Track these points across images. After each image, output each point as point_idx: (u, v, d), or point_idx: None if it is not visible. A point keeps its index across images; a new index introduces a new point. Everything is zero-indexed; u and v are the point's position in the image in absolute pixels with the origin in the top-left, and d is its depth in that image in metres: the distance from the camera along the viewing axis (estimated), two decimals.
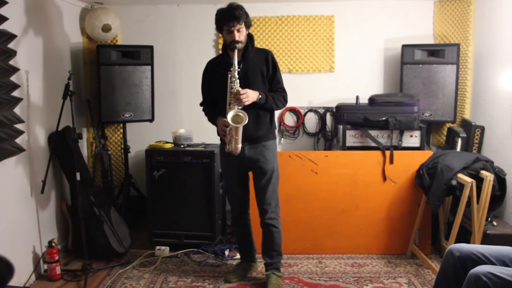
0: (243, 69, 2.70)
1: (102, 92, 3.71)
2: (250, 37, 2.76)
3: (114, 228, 3.37)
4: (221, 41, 4.01)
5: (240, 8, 2.63)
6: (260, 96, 2.67)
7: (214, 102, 2.86)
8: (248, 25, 2.70)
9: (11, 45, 2.69)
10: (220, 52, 3.94)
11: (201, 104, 2.97)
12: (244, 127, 2.62)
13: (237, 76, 2.61)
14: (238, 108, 2.61)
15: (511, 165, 3.14)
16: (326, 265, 3.23)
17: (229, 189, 2.98)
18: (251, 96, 2.62)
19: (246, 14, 2.66)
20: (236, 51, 2.62)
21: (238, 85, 2.61)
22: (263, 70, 2.74)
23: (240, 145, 2.68)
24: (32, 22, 3.08)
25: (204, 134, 3.79)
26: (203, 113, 3.81)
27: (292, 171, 3.34)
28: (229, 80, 2.63)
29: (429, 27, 3.97)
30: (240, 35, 2.63)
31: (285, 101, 2.83)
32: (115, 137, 4.16)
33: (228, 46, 2.69)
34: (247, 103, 2.60)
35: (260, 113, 2.75)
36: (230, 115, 2.58)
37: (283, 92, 2.82)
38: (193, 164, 3.48)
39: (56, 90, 3.29)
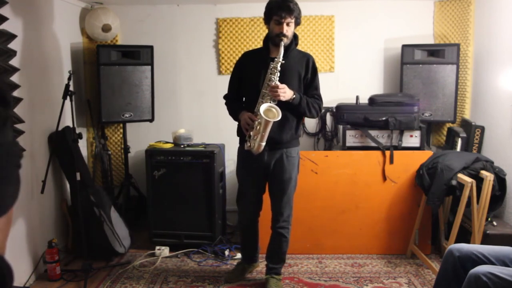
0: (281, 66, 2.55)
1: (102, 92, 3.70)
2: (295, 36, 2.66)
3: (114, 228, 3.37)
4: (221, 41, 4.01)
5: (295, 2, 2.53)
6: (294, 96, 2.55)
7: (239, 96, 2.76)
8: (298, 22, 2.60)
9: (11, 45, 2.69)
10: (221, 51, 4.00)
11: (224, 97, 2.85)
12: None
13: (279, 68, 2.49)
14: (272, 103, 2.48)
15: (511, 165, 3.14)
16: (326, 265, 3.23)
17: (243, 193, 2.86)
18: (287, 93, 2.51)
19: (299, 10, 2.57)
20: (282, 44, 2.50)
21: (278, 78, 2.50)
22: (301, 72, 2.65)
23: (264, 143, 2.51)
24: (32, 22, 3.08)
25: (204, 134, 3.79)
26: (203, 112, 3.82)
27: None
28: (269, 71, 2.52)
29: (429, 27, 3.97)
30: (288, 30, 2.53)
31: (320, 109, 2.70)
32: (115, 137, 4.16)
33: (273, 39, 2.58)
34: (283, 99, 2.49)
35: (287, 116, 2.61)
36: (263, 108, 2.44)
37: (319, 100, 2.71)
38: (193, 164, 3.48)
39: (56, 90, 3.29)
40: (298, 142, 2.79)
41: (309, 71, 2.67)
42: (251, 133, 2.56)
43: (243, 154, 2.71)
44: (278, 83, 2.49)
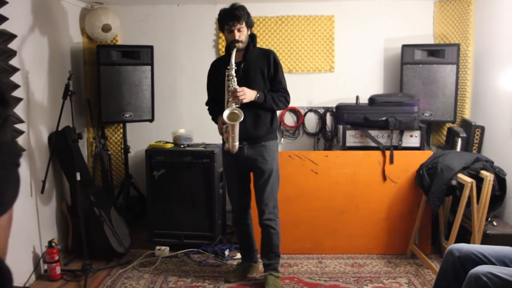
0: (244, 69, 2.72)
1: (102, 92, 3.71)
2: (252, 37, 2.78)
3: (114, 228, 3.37)
4: (221, 41, 4.01)
5: (241, 8, 2.66)
6: (258, 95, 2.68)
7: (217, 102, 2.88)
8: (249, 25, 2.72)
9: (11, 45, 2.69)
10: (221, 51, 4.00)
11: (206, 104, 3.00)
12: (243, 126, 2.64)
13: (234, 74, 2.63)
14: (235, 106, 2.62)
15: (511, 165, 3.14)
16: (326, 265, 3.22)
17: (230, 189, 2.98)
18: (248, 94, 2.63)
19: (248, 14, 2.69)
20: (235, 50, 2.64)
21: (236, 83, 2.63)
22: (264, 70, 2.75)
23: (237, 143, 2.68)
24: (32, 22, 3.08)
25: (204, 134, 3.79)
26: (203, 112, 3.79)
27: (292, 171, 3.33)
28: (226, 79, 2.65)
29: (429, 27, 3.97)
30: (241, 35, 2.66)
31: (287, 101, 2.82)
32: (115, 137, 4.16)
33: (229, 45, 2.71)
34: (244, 100, 2.62)
35: (260, 113, 2.75)
36: (226, 113, 2.60)
37: (285, 93, 2.81)
38: (193, 164, 3.48)
39: (56, 90, 3.29)
40: (276, 135, 2.89)
41: (271, 67, 2.76)
42: (225, 136, 2.74)
43: (226, 153, 2.84)
44: (236, 87, 2.62)
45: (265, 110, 2.77)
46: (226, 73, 2.65)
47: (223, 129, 2.73)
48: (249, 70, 2.74)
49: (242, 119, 2.59)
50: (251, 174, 2.91)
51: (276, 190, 2.86)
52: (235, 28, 2.64)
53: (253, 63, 2.75)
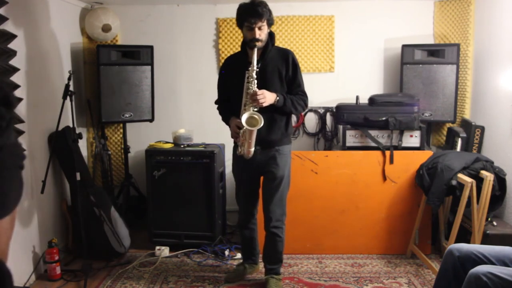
0: (261, 69, 2.58)
1: (102, 92, 3.70)
2: (271, 36, 2.65)
3: (114, 228, 3.37)
4: (221, 41, 4.01)
5: (264, 4, 2.51)
6: (278, 98, 2.55)
7: (229, 101, 2.77)
8: (270, 23, 2.58)
9: (11, 45, 2.69)
10: (221, 51, 4.00)
11: (216, 102, 2.88)
12: (257, 130, 2.51)
13: (255, 76, 2.49)
14: (253, 110, 2.49)
15: (511, 165, 3.14)
16: (326, 265, 3.22)
17: (238, 192, 2.90)
18: (268, 97, 2.50)
19: (270, 11, 2.54)
20: (255, 50, 2.51)
21: (256, 85, 2.49)
22: (282, 71, 2.63)
23: (252, 149, 2.56)
24: (32, 22, 3.08)
25: (204, 134, 3.79)
26: (203, 112, 3.81)
27: (292, 171, 3.31)
28: (246, 80, 2.52)
29: (429, 27, 3.97)
30: (261, 33, 2.52)
31: (306, 105, 2.69)
32: (115, 137, 4.16)
33: (248, 44, 2.58)
34: (264, 104, 2.48)
35: (275, 117, 2.64)
36: (244, 117, 2.46)
37: (304, 96, 2.68)
38: (193, 164, 3.47)
39: (56, 90, 3.29)
40: (290, 140, 2.80)
41: (289, 68, 2.64)
42: (240, 141, 2.60)
43: (237, 156, 2.73)
44: (256, 89, 2.48)
45: (282, 114, 2.66)
46: (246, 74, 2.51)
47: (239, 134, 2.56)
48: (266, 71, 2.60)
49: (262, 125, 2.43)
50: (261, 178, 2.82)
51: (285, 197, 2.79)
52: (256, 26, 2.47)
53: (271, 63, 2.62)
